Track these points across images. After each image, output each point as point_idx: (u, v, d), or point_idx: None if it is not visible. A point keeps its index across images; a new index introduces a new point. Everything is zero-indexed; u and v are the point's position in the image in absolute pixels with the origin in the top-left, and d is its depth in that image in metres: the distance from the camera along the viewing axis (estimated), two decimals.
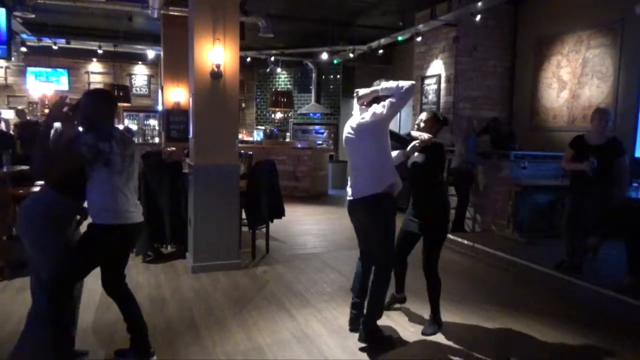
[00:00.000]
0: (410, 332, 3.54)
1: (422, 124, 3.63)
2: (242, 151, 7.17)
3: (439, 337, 3.46)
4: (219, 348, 3.20)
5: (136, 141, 8.95)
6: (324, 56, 11.11)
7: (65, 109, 2.74)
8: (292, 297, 4.21)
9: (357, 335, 3.34)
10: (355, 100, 3.37)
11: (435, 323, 3.57)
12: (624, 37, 6.57)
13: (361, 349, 3.22)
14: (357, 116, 3.31)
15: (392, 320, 3.72)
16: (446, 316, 3.75)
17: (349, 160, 3.46)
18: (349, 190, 3.37)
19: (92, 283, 4.34)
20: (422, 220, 3.53)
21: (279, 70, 13.53)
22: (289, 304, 4.02)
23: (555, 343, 3.44)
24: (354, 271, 3.62)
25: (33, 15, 8.32)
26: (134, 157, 2.94)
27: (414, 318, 3.80)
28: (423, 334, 3.50)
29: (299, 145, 10.95)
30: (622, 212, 4.53)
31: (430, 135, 3.45)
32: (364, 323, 3.28)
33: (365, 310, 3.35)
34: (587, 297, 4.38)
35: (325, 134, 13.45)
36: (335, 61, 12.22)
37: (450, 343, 3.37)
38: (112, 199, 2.75)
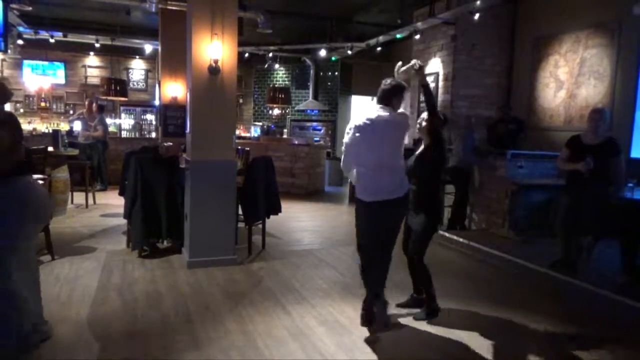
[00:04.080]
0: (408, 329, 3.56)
1: (423, 123, 3.71)
2: (239, 147, 7.14)
3: (433, 335, 3.48)
4: (214, 344, 3.20)
5: None
6: (322, 53, 11.09)
7: None
8: (288, 293, 4.22)
9: (353, 332, 3.38)
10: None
11: (428, 310, 3.74)
12: (621, 37, 6.57)
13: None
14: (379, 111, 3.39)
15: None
16: (442, 314, 3.75)
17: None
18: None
19: (88, 278, 4.36)
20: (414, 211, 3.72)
21: (276, 66, 13.48)
22: (284, 300, 4.03)
23: (548, 342, 3.46)
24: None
25: (30, 8, 8.27)
26: None
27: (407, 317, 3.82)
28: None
29: (296, 142, 10.93)
30: (617, 212, 4.55)
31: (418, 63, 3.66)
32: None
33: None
34: (582, 296, 4.40)
35: (322, 131, 13.42)
36: (333, 58, 12.19)
37: (444, 342, 3.39)
38: None
